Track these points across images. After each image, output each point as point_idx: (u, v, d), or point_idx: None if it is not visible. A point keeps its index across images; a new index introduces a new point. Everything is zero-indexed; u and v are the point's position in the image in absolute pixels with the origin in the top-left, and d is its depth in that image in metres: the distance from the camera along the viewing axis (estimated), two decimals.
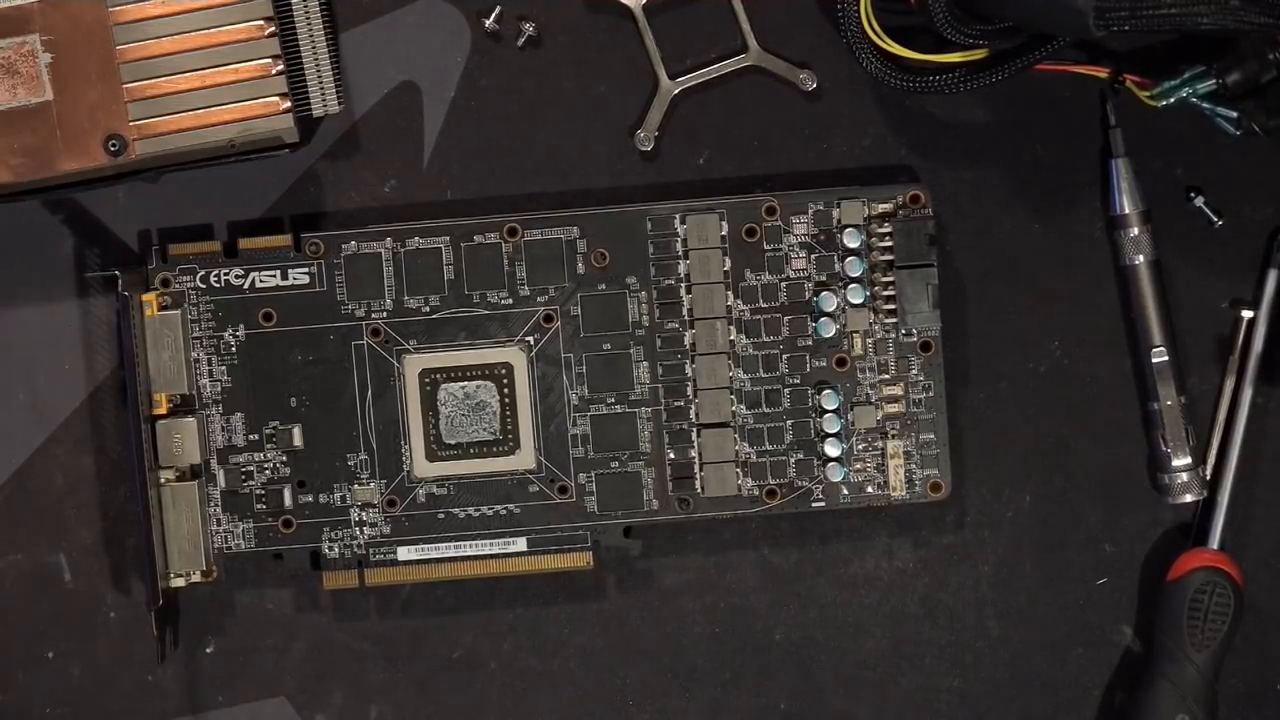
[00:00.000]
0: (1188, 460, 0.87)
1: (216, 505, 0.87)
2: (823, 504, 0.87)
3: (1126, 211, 0.86)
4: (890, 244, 0.85)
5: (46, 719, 0.89)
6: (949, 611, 0.89)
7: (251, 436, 0.87)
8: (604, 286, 0.86)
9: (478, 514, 0.87)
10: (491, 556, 0.87)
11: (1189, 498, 0.87)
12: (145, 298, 0.86)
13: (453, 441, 0.87)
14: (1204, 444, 0.88)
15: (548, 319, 0.86)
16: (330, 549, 0.87)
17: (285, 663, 0.89)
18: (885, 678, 0.89)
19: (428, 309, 0.86)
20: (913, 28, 0.84)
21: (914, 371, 0.86)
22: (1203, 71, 0.83)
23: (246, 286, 0.86)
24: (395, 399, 0.87)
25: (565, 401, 0.87)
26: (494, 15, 0.87)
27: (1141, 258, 0.86)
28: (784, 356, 0.86)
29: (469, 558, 0.87)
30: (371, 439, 0.87)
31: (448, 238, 0.86)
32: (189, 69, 0.84)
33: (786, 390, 0.86)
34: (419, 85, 0.88)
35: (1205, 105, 0.83)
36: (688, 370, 0.86)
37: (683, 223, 0.86)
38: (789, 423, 0.86)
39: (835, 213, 0.86)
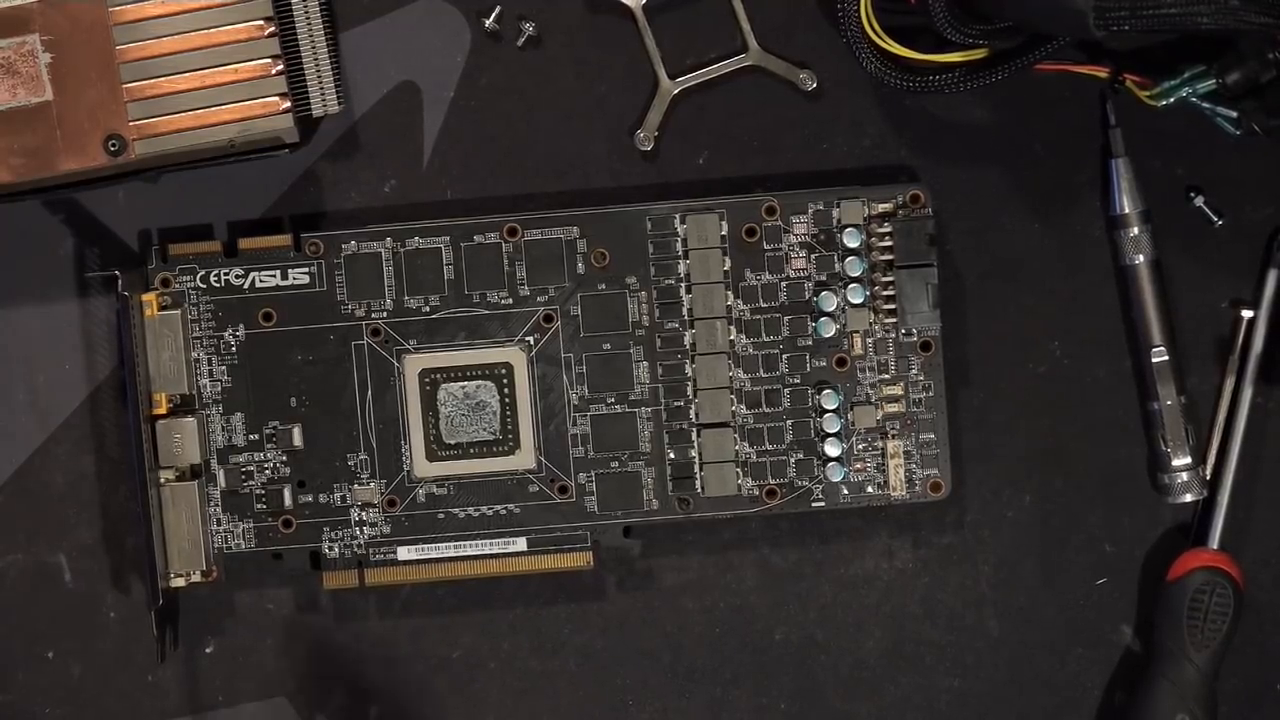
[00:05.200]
0: (1188, 460, 0.87)
1: (216, 505, 0.87)
2: (823, 504, 0.87)
3: (1126, 211, 0.86)
4: (890, 244, 0.85)
5: (46, 719, 0.89)
6: (949, 611, 0.89)
7: (251, 436, 0.87)
8: (604, 286, 0.86)
9: (478, 514, 0.87)
10: (491, 556, 0.87)
11: (1189, 498, 0.87)
12: (145, 298, 0.86)
13: (453, 441, 0.87)
14: (1204, 444, 0.88)
15: (548, 319, 0.86)
16: (330, 549, 0.87)
17: (285, 663, 0.89)
18: (885, 678, 0.89)
19: (428, 309, 0.86)
20: (913, 28, 0.84)
21: (914, 371, 0.86)
22: (1203, 71, 0.83)
23: (246, 286, 0.86)
24: (395, 399, 0.87)
25: (565, 401, 0.87)
26: (494, 15, 0.87)
27: (1141, 258, 0.86)
28: (784, 356, 0.86)
29: (469, 558, 0.87)
30: (371, 439, 0.87)
31: (448, 238, 0.86)
32: (189, 69, 0.84)
33: (786, 390, 0.86)
34: (419, 85, 0.88)
35: (1205, 105, 0.83)
36: (688, 370, 0.86)
37: (683, 223, 0.86)
38: (789, 422, 0.86)
39: (835, 212, 0.86)
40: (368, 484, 0.87)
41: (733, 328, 0.86)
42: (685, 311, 0.86)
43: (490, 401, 0.87)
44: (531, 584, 0.89)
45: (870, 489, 0.87)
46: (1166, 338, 0.86)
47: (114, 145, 0.84)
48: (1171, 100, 0.83)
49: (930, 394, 0.86)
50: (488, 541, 0.87)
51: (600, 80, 0.87)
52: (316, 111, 0.85)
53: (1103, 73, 0.85)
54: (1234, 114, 0.83)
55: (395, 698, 0.89)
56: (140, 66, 0.84)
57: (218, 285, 0.86)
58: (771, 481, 0.86)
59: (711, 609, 0.89)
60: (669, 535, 0.88)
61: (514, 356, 0.87)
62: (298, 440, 0.87)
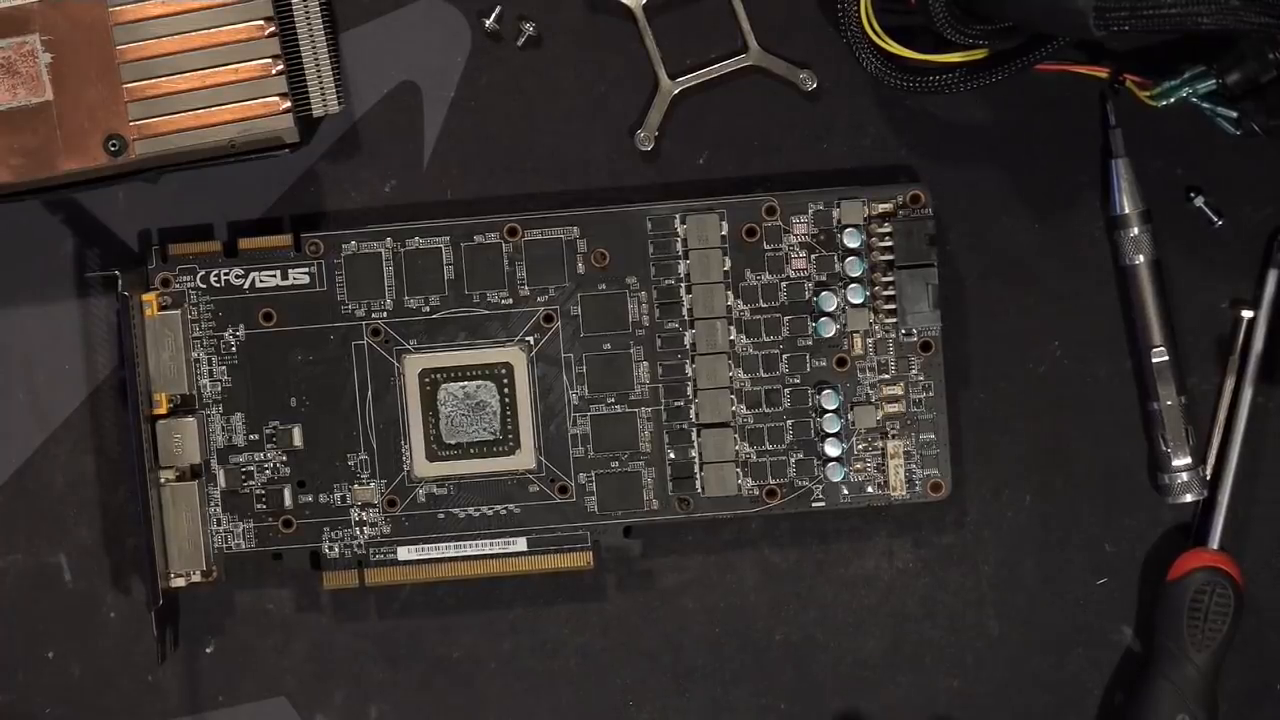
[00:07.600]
0: (1188, 460, 0.87)
1: (216, 505, 0.87)
2: (823, 504, 0.87)
3: (1126, 211, 0.86)
4: (890, 244, 0.85)
5: (46, 719, 0.89)
6: (949, 611, 0.89)
7: (251, 436, 0.87)
8: (604, 286, 0.86)
9: (478, 514, 0.87)
10: (491, 556, 0.87)
11: (1189, 498, 0.87)
12: (145, 298, 0.86)
13: (453, 441, 0.87)
14: (1204, 444, 0.88)
15: (548, 319, 0.86)
16: (330, 549, 0.87)
17: (285, 663, 0.89)
18: (885, 678, 0.89)
19: (428, 309, 0.86)
20: (913, 28, 0.84)
21: (914, 371, 0.86)
22: (1203, 71, 0.83)
23: (246, 286, 0.86)
24: (395, 399, 0.87)
25: (565, 401, 0.87)
26: (494, 15, 0.87)
27: (1141, 258, 0.86)
28: (784, 356, 0.86)
29: (469, 558, 0.87)
30: (371, 439, 0.87)
31: (448, 238, 0.86)
32: (189, 69, 0.84)
33: (786, 390, 0.86)
34: (419, 85, 0.88)
35: (1205, 105, 0.83)
36: (688, 370, 0.86)
37: (683, 223, 0.86)
38: (789, 423, 0.86)
39: (835, 213, 0.86)
40: (368, 484, 0.87)
41: (733, 328, 0.86)
42: (685, 311, 0.86)
43: (490, 401, 0.87)
44: (531, 584, 0.89)
45: (870, 489, 0.87)
46: (1166, 338, 0.86)
47: (114, 145, 0.84)
48: (1171, 100, 0.83)
49: (930, 394, 0.86)
50: (488, 541, 0.87)
51: (600, 80, 0.87)
52: (316, 111, 0.85)
53: (1103, 73, 0.85)
54: (1234, 114, 0.83)
55: (395, 698, 0.89)
56: (140, 66, 0.84)
57: (218, 285, 0.86)
58: (771, 481, 0.86)
59: (711, 609, 0.89)
60: (669, 535, 0.88)
61: (514, 356, 0.87)
62: (298, 440, 0.87)
